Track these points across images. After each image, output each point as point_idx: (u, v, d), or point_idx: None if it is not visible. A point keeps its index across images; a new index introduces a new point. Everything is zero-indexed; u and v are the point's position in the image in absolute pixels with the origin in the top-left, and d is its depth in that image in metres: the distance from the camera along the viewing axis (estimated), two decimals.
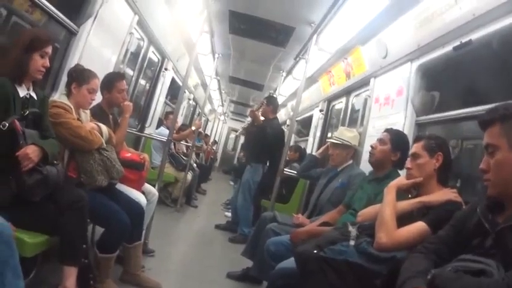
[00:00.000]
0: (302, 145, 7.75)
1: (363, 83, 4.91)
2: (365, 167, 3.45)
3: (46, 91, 3.22)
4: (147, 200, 3.38)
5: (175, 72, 7.31)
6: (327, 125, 6.91)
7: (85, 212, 2.29)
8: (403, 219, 1.93)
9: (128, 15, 4.21)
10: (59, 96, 2.89)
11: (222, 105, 15.43)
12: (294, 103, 5.44)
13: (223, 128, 20.01)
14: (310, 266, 2.08)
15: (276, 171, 4.65)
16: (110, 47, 4.11)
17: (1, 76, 2.08)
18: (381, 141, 2.94)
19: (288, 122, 9.66)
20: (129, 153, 3.51)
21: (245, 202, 5.58)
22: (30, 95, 2.23)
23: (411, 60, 3.61)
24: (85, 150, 2.65)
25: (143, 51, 5.68)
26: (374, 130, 4.04)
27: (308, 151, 6.92)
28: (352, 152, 3.76)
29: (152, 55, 6.13)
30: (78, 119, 2.69)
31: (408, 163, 2.21)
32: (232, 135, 21.84)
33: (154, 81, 6.67)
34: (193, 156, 7.72)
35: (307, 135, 7.95)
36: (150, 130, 6.77)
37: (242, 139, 15.71)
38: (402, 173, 2.77)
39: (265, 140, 5.48)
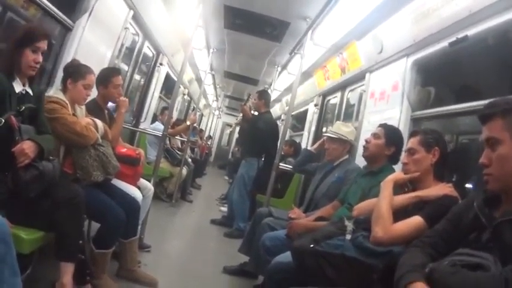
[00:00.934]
0: (297, 140, 7.76)
1: (359, 78, 4.93)
2: (360, 161, 3.45)
3: (42, 87, 3.20)
4: (143, 195, 3.38)
5: (170, 67, 7.29)
6: (322, 120, 6.93)
7: (81, 208, 2.29)
8: (399, 213, 1.93)
9: (123, 10, 4.19)
10: (54, 91, 2.87)
11: (217, 100, 15.39)
12: (289, 98, 5.44)
13: (217, 123, 19.99)
14: (307, 260, 2.09)
15: (272, 165, 4.65)
16: (105, 42, 4.09)
17: None
18: (375, 135, 2.94)
19: (283, 117, 9.67)
20: (125, 149, 3.50)
21: (240, 197, 5.59)
22: (26, 90, 2.22)
23: (407, 55, 3.62)
24: (81, 145, 2.64)
25: (138, 46, 5.66)
26: (370, 125, 4.04)
27: (303, 146, 6.95)
28: (348, 146, 3.76)
29: (147, 50, 6.11)
30: (73, 115, 2.67)
31: (404, 158, 2.21)
32: (227, 131, 21.81)
33: (148, 76, 6.66)
34: (188, 151, 7.70)
35: (302, 129, 7.97)
36: (145, 125, 6.76)
37: (236, 133, 15.65)
38: (396, 167, 2.79)
39: (258, 135, 5.51)
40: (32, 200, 2.12)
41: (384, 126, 2.95)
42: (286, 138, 5.78)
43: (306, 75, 6.65)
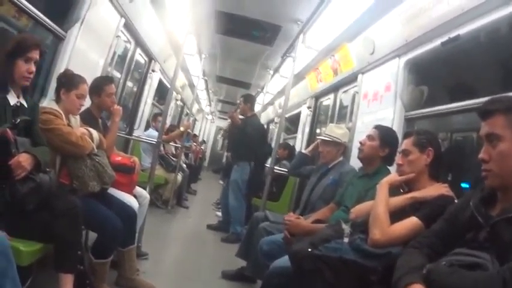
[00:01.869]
0: (291, 142, 7.77)
1: (351, 79, 4.95)
2: (355, 162, 3.46)
3: (35, 97, 3.19)
4: (139, 203, 3.37)
5: (162, 73, 7.29)
6: (316, 122, 6.95)
7: (78, 219, 2.28)
8: (396, 215, 1.95)
9: (114, 18, 4.19)
10: (48, 102, 2.87)
11: (210, 105, 15.39)
12: (282, 101, 5.45)
13: (211, 127, 19.97)
14: (305, 264, 2.09)
15: (263, 167, 4.66)
16: (97, 51, 4.09)
17: None
18: (369, 137, 2.94)
19: (276, 120, 9.68)
20: (119, 157, 3.50)
21: (236, 201, 5.58)
22: (20, 102, 2.21)
23: (398, 55, 3.65)
24: (77, 156, 2.63)
25: (130, 53, 5.65)
26: (363, 126, 4.07)
27: (297, 148, 6.96)
28: (342, 148, 3.77)
29: (139, 57, 6.11)
30: (68, 125, 2.67)
31: (399, 159, 2.22)
32: (221, 135, 21.78)
33: (141, 83, 6.65)
34: (182, 156, 7.69)
35: (296, 132, 7.98)
36: (139, 132, 6.75)
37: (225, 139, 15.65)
38: (392, 168, 2.80)
39: (247, 139, 5.54)
40: (29, 212, 2.11)
41: (378, 127, 2.96)
42: (281, 141, 5.79)
43: (299, 77, 6.67)
